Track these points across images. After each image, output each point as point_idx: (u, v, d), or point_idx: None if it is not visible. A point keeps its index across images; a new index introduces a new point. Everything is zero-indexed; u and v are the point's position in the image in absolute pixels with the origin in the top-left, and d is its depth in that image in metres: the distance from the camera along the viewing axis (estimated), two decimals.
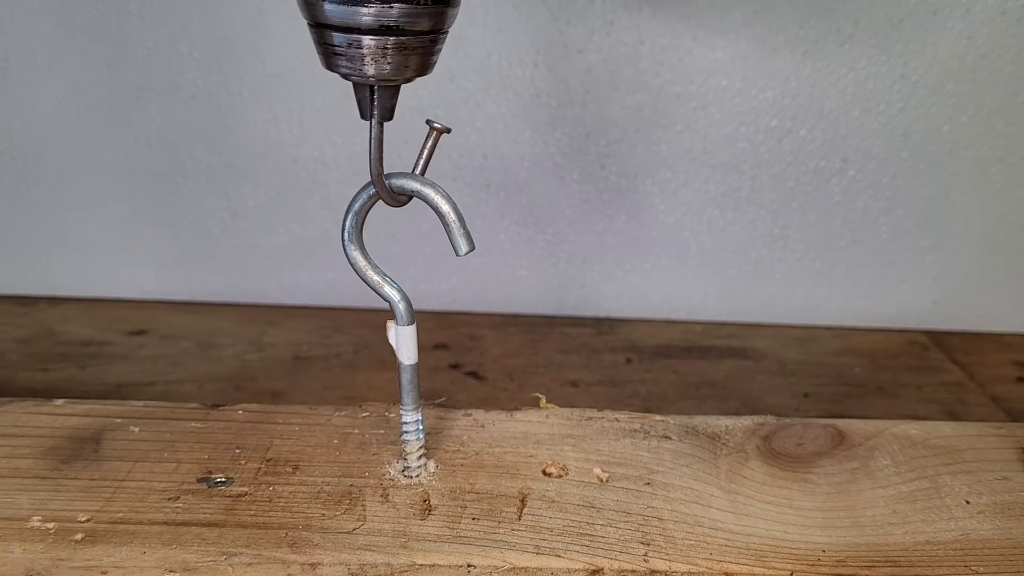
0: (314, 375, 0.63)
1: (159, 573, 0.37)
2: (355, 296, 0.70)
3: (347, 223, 0.40)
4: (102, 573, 0.37)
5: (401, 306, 0.41)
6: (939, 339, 0.72)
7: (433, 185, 0.39)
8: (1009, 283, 0.72)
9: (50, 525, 0.39)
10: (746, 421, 0.50)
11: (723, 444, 0.48)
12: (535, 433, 0.48)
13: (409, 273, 0.71)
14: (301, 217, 0.70)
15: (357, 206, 0.40)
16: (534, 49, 0.64)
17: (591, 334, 0.71)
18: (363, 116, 0.36)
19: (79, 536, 0.38)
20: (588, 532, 0.41)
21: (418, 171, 0.40)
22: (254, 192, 0.69)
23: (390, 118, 0.37)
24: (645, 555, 0.39)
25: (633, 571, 0.38)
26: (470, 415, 0.50)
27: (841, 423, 0.50)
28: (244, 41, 0.64)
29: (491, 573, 0.38)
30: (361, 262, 0.41)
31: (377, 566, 0.38)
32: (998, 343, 0.72)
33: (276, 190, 0.69)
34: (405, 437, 0.43)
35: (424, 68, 0.35)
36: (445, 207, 0.39)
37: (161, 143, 0.67)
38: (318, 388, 0.61)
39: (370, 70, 0.34)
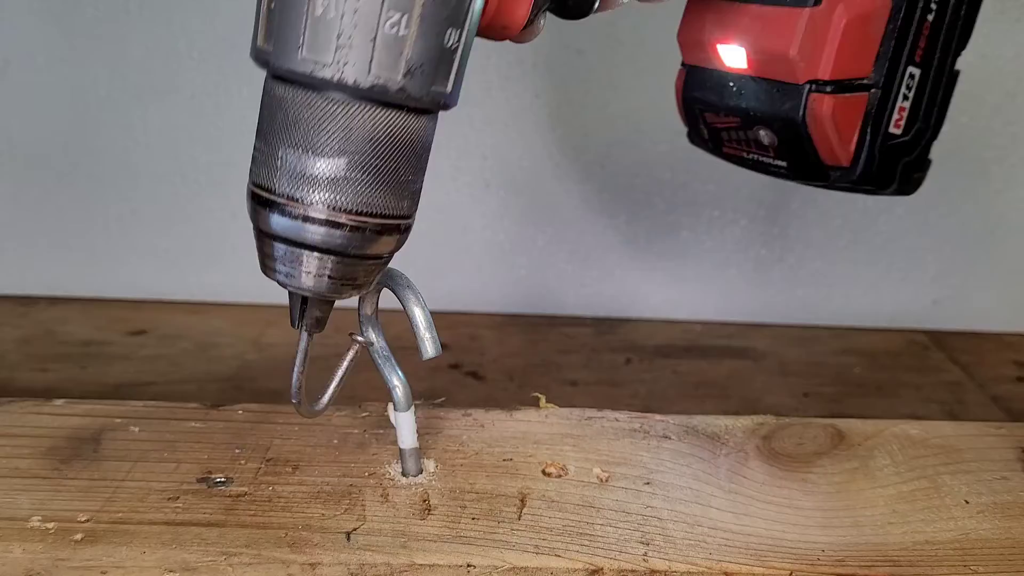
0: (314, 375, 0.62)
1: (159, 573, 0.37)
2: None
3: (360, 314, 0.44)
4: (102, 573, 0.37)
5: (399, 392, 0.43)
6: (939, 339, 0.72)
7: (410, 288, 0.41)
8: (1009, 283, 0.72)
9: (50, 525, 0.39)
10: (746, 421, 0.50)
11: (723, 444, 0.48)
12: (535, 433, 0.48)
13: (408, 273, 0.71)
14: None
15: (365, 309, 0.44)
16: (533, 50, 0.64)
17: (591, 334, 0.71)
18: (293, 324, 0.37)
19: (79, 536, 0.38)
20: (588, 532, 0.41)
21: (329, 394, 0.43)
22: None
23: (320, 330, 0.38)
24: (644, 555, 0.39)
25: (632, 571, 0.38)
26: (470, 415, 0.50)
27: (840, 423, 0.50)
28: (243, 41, 0.63)
29: (491, 573, 0.38)
30: (374, 345, 0.44)
31: (377, 566, 0.38)
32: (998, 343, 0.72)
33: None
34: None
35: (362, 288, 0.36)
36: (416, 311, 0.39)
37: (160, 143, 0.67)
38: (318, 388, 0.60)
39: (308, 284, 0.34)
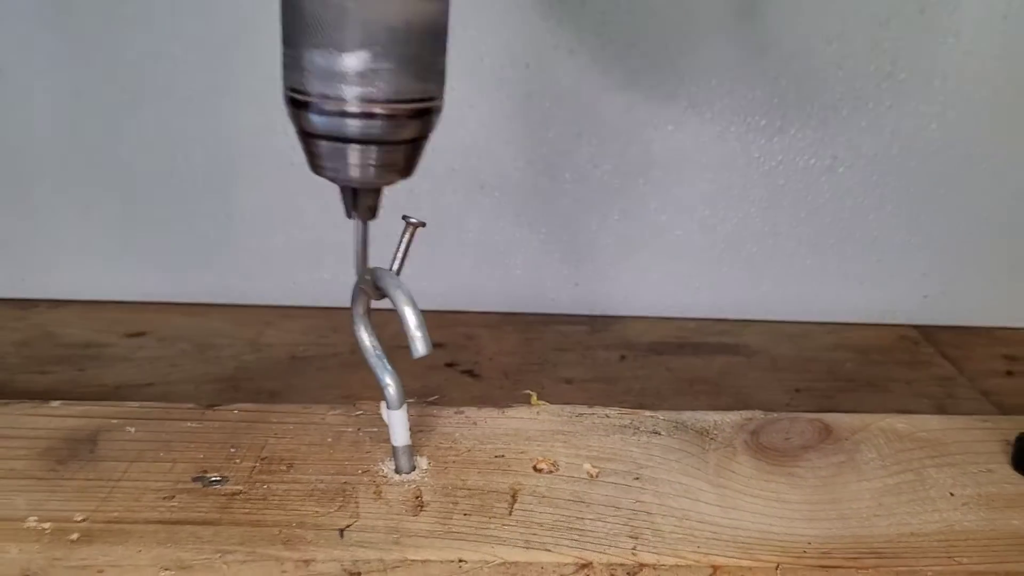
0: (311, 375, 0.63)
1: (155, 571, 0.37)
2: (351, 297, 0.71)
3: (353, 313, 0.44)
4: (98, 572, 0.37)
5: (391, 390, 0.43)
6: (929, 334, 0.73)
7: (400, 287, 0.40)
8: (998, 278, 0.72)
9: (46, 525, 0.39)
10: (734, 416, 0.50)
11: (711, 439, 0.48)
12: (526, 430, 0.48)
13: (405, 272, 0.71)
14: (297, 219, 0.70)
15: (357, 308, 0.44)
16: (526, 50, 0.64)
17: (585, 332, 0.72)
18: (348, 215, 0.39)
19: (75, 536, 0.39)
20: (578, 527, 0.41)
21: (395, 268, 0.42)
22: (250, 194, 0.69)
23: (374, 217, 0.39)
24: (634, 549, 0.40)
25: (622, 564, 0.39)
26: (462, 412, 0.50)
27: (827, 417, 0.50)
28: (239, 44, 0.64)
29: (482, 568, 0.39)
30: (365, 344, 0.44)
31: (370, 562, 0.38)
32: (988, 337, 0.73)
33: (272, 192, 0.69)
34: None
35: (407, 172, 0.37)
36: (406, 309, 0.40)
37: (157, 146, 0.67)
38: (315, 388, 0.61)
39: (355, 175, 0.36)
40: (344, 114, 0.34)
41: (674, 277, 0.73)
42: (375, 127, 0.34)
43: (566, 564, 0.39)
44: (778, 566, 0.39)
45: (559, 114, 0.66)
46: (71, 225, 0.71)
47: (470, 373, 0.64)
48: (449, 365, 0.65)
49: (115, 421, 0.47)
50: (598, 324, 0.73)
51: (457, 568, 0.39)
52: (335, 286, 0.72)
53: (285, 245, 0.71)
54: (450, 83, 0.65)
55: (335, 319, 0.71)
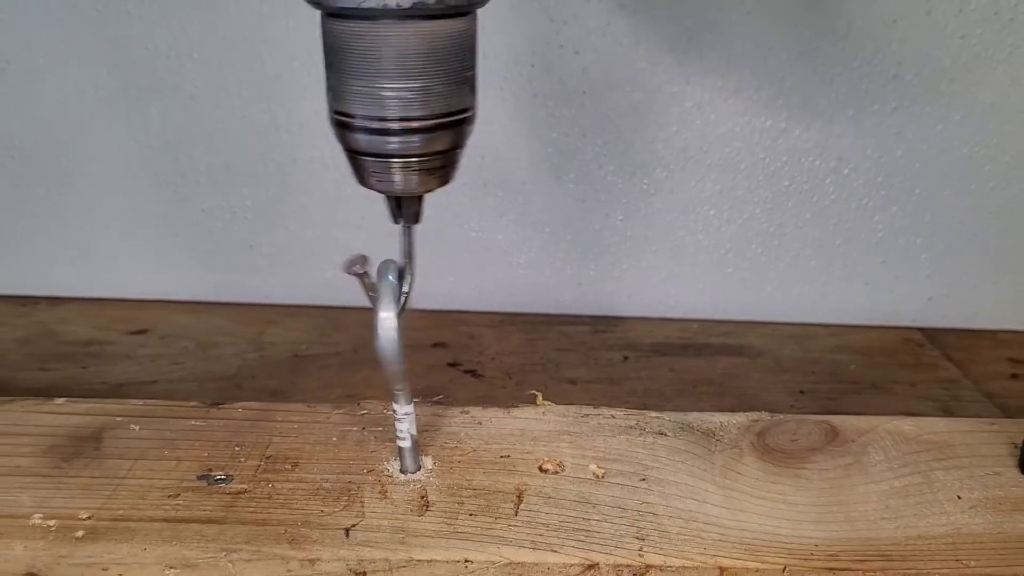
0: (313, 374, 0.63)
1: (159, 569, 0.37)
2: (354, 295, 0.70)
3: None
4: (103, 570, 0.37)
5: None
6: (934, 336, 0.73)
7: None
8: (1003, 280, 0.72)
9: (51, 522, 0.39)
10: (740, 418, 0.50)
11: (718, 440, 0.48)
12: (532, 430, 0.48)
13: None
14: (300, 217, 0.70)
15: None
16: (531, 50, 0.64)
17: (588, 332, 0.72)
18: (394, 221, 0.41)
19: (80, 533, 0.39)
20: (584, 527, 0.41)
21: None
22: (253, 192, 0.69)
23: (418, 222, 0.41)
24: (640, 550, 0.40)
25: (628, 566, 0.39)
26: (467, 412, 0.50)
27: (834, 419, 0.50)
28: (243, 42, 0.64)
29: (488, 568, 0.39)
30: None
31: (375, 562, 0.38)
32: (992, 340, 0.73)
33: (275, 190, 0.69)
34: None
35: (445, 179, 0.40)
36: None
37: (161, 143, 0.67)
38: (317, 387, 0.61)
39: (398, 187, 0.38)
40: (386, 132, 0.36)
41: (678, 278, 0.73)
42: (414, 143, 0.37)
43: (572, 565, 0.39)
44: (785, 568, 0.39)
45: (563, 114, 0.66)
46: (73, 222, 0.71)
47: (473, 373, 0.64)
48: (452, 365, 0.65)
49: (120, 419, 0.47)
50: (601, 324, 0.73)
51: (463, 568, 0.39)
52: (337, 284, 0.72)
53: (288, 243, 0.71)
54: None
55: (338, 318, 0.71)
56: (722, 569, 0.39)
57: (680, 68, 0.64)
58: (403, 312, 0.41)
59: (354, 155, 0.38)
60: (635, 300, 0.74)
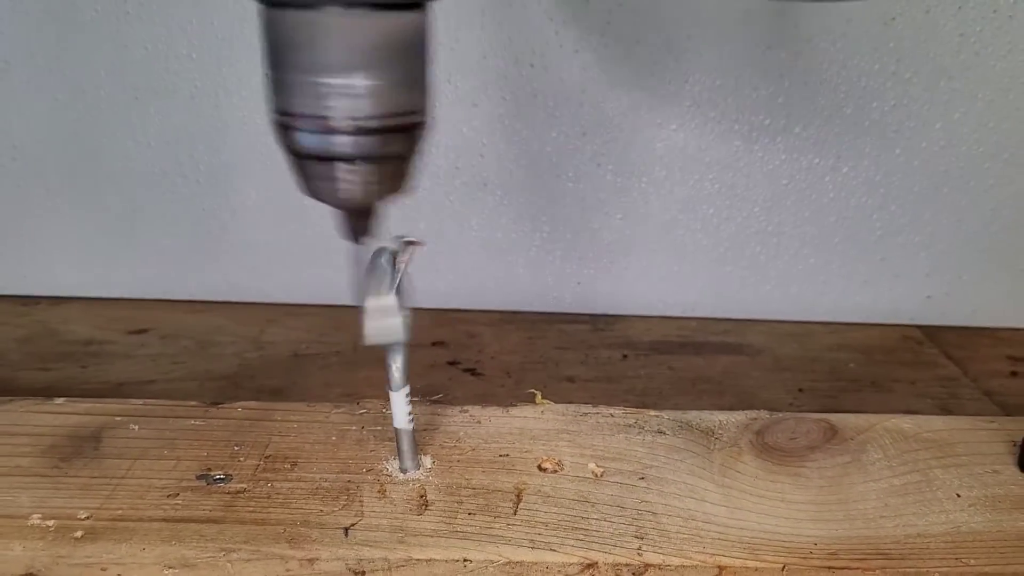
0: (313, 373, 0.63)
1: (158, 569, 0.37)
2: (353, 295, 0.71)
3: None
4: (102, 570, 0.37)
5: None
6: (933, 334, 0.73)
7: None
8: (1002, 278, 0.72)
9: (50, 523, 0.39)
10: (739, 416, 0.50)
11: (717, 439, 0.48)
12: (531, 429, 0.48)
13: (407, 270, 0.71)
14: (300, 216, 0.70)
15: None
16: (530, 49, 0.64)
17: (587, 331, 0.72)
18: (347, 238, 0.39)
19: (79, 533, 0.39)
20: (583, 526, 0.41)
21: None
22: (253, 191, 0.69)
23: (371, 238, 0.39)
24: (639, 549, 0.40)
25: (627, 564, 0.39)
26: (466, 411, 0.50)
27: (833, 417, 0.50)
28: (242, 41, 0.64)
29: (487, 567, 0.39)
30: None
31: (374, 561, 0.38)
32: (991, 338, 0.73)
33: (275, 189, 0.69)
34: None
35: (398, 189, 0.37)
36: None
37: (160, 143, 0.67)
38: (317, 386, 0.61)
39: (347, 195, 0.36)
40: (332, 131, 0.34)
41: (677, 276, 0.73)
42: (363, 144, 0.34)
43: (571, 564, 0.39)
44: (784, 567, 0.39)
45: (563, 113, 0.66)
46: (73, 222, 0.71)
47: (472, 372, 0.64)
48: (451, 364, 0.65)
49: (119, 418, 0.47)
50: (600, 323, 0.73)
51: (462, 567, 0.39)
52: (337, 284, 0.72)
53: (288, 242, 0.71)
54: (454, 82, 0.65)
55: (338, 317, 0.71)
56: (721, 568, 0.39)
57: (679, 67, 0.64)
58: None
59: (298, 159, 0.36)
60: (634, 298, 0.74)
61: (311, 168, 0.35)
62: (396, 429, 0.44)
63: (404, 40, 0.34)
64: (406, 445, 0.44)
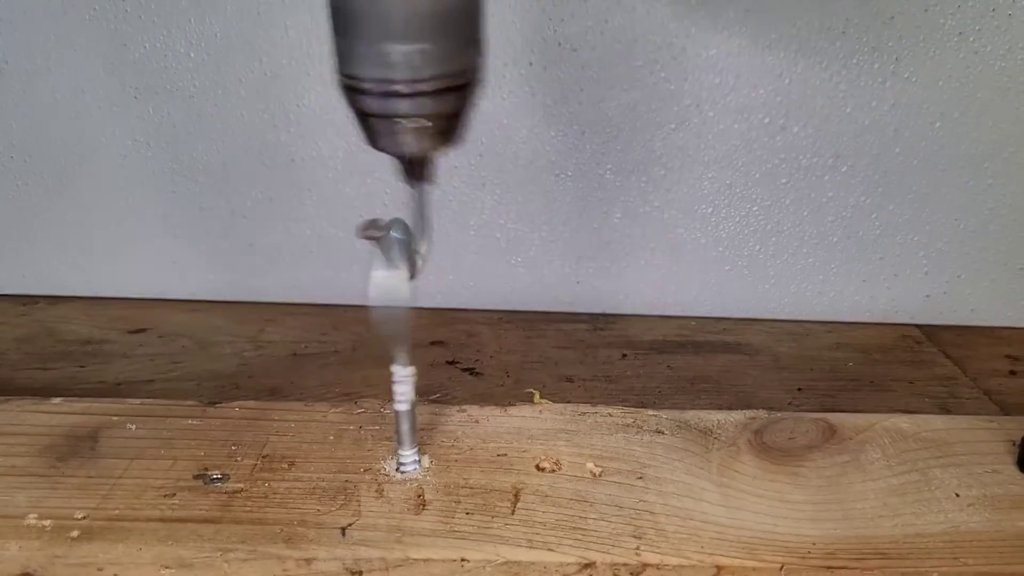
0: (312, 372, 0.63)
1: (155, 569, 0.37)
2: (353, 294, 0.71)
3: None
4: (98, 570, 0.37)
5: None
6: (932, 333, 0.73)
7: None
8: (1001, 277, 0.72)
9: (46, 522, 0.39)
10: (738, 415, 0.50)
11: (715, 438, 0.48)
12: (529, 428, 0.48)
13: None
14: (299, 216, 0.70)
15: None
16: (529, 48, 0.64)
17: (587, 330, 0.72)
18: (407, 183, 0.42)
19: (75, 533, 0.39)
20: (581, 526, 0.41)
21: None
22: (252, 191, 0.69)
23: (429, 183, 0.42)
24: (637, 548, 0.40)
25: (625, 564, 0.39)
26: (464, 411, 0.50)
27: (832, 417, 0.50)
28: (241, 41, 0.64)
29: (484, 567, 0.38)
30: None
31: (372, 560, 0.38)
32: (990, 337, 0.73)
33: (274, 189, 0.69)
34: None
35: (454, 140, 0.40)
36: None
37: (160, 142, 0.67)
38: (316, 385, 0.61)
39: (408, 148, 0.39)
40: (394, 95, 0.36)
41: (676, 275, 0.73)
42: (423, 104, 0.37)
43: (569, 564, 0.39)
44: (782, 567, 0.39)
45: (562, 112, 0.66)
46: (72, 221, 0.70)
47: (471, 371, 0.64)
48: (450, 363, 0.65)
49: (116, 418, 0.47)
50: (599, 322, 0.73)
51: (459, 567, 0.38)
52: (336, 283, 0.73)
53: (286, 242, 0.71)
54: None
55: (336, 316, 0.71)
56: (719, 568, 0.39)
57: (678, 65, 0.64)
58: (416, 275, 0.42)
59: (364, 117, 0.38)
60: (633, 298, 0.74)
61: (375, 125, 0.38)
62: (396, 411, 0.44)
63: (458, 8, 0.36)
64: (406, 426, 0.44)
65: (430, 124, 0.38)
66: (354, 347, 0.67)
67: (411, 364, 0.43)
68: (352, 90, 0.37)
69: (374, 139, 0.39)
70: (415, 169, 0.41)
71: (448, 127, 0.39)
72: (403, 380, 0.43)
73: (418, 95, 0.36)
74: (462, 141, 0.40)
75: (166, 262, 0.72)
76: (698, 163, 0.68)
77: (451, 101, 0.38)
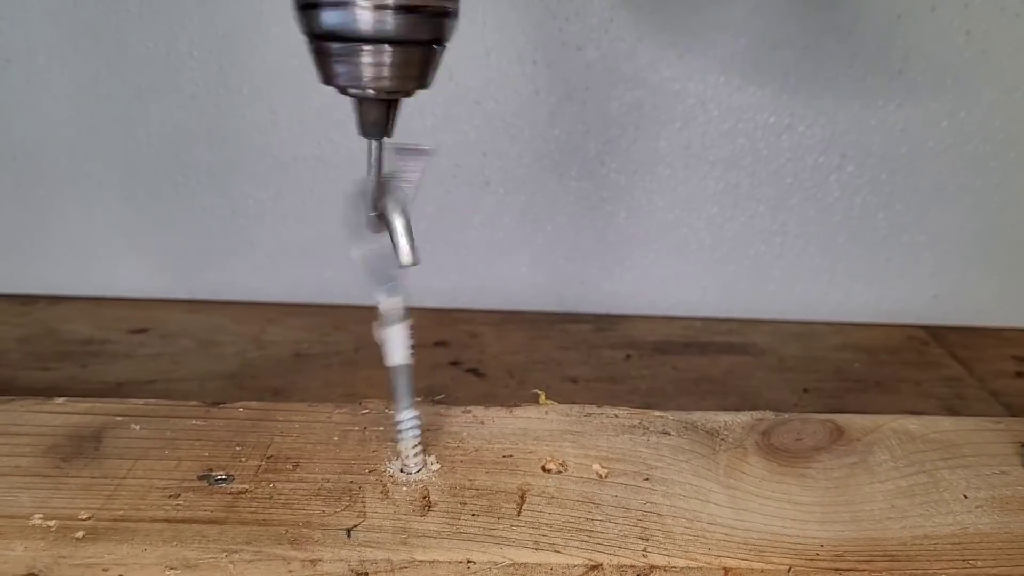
0: (314, 373, 0.63)
1: (160, 570, 0.37)
2: (355, 294, 0.71)
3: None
4: (103, 570, 0.37)
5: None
6: (938, 334, 0.72)
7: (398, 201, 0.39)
8: (1008, 278, 0.72)
9: (51, 523, 0.39)
10: (745, 417, 0.50)
11: (722, 440, 0.48)
12: (534, 429, 0.48)
13: (408, 270, 0.71)
14: (301, 215, 0.70)
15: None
16: (533, 47, 0.64)
17: (591, 330, 0.71)
18: (361, 133, 0.37)
19: (80, 534, 0.39)
20: (587, 528, 0.41)
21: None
22: (254, 190, 0.69)
23: (388, 135, 0.37)
24: (644, 550, 0.39)
25: (632, 566, 0.39)
26: (469, 412, 0.50)
27: (839, 418, 0.50)
28: (243, 40, 0.64)
29: (490, 569, 0.38)
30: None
31: (377, 562, 0.38)
32: (997, 338, 0.72)
33: (276, 188, 0.69)
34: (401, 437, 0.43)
35: (422, 80, 0.35)
36: (397, 220, 0.39)
37: (161, 142, 0.67)
38: (318, 386, 0.61)
39: (368, 80, 0.34)
40: (355, 5, 0.32)
41: (681, 276, 0.72)
42: (388, 23, 0.33)
43: (576, 566, 0.38)
44: (790, 569, 0.39)
45: (566, 111, 0.66)
46: (73, 221, 0.70)
47: (475, 372, 0.64)
48: (453, 364, 0.65)
49: (120, 418, 0.47)
50: (604, 323, 0.73)
51: (465, 569, 0.38)
52: (338, 283, 0.72)
53: (288, 242, 0.71)
54: (456, 79, 0.64)
55: (338, 316, 0.71)
56: (727, 570, 0.39)
57: (683, 64, 0.64)
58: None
59: (319, 40, 0.34)
60: (638, 298, 0.74)
61: (333, 49, 0.34)
62: (393, 368, 0.42)
63: None
64: (403, 382, 0.43)
65: (390, 49, 0.33)
66: (356, 347, 0.66)
67: (408, 319, 0.41)
68: (308, 7, 0.33)
69: (329, 68, 0.34)
70: (375, 115, 0.36)
71: (416, 60, 0.35)
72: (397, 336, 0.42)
73: (383, 9, 0.32)
74: (429, 85, 0.36)
75: (167, 262, 0.72)
76: (703, 162, 0.67)
77: (418, 25, 0.33)
